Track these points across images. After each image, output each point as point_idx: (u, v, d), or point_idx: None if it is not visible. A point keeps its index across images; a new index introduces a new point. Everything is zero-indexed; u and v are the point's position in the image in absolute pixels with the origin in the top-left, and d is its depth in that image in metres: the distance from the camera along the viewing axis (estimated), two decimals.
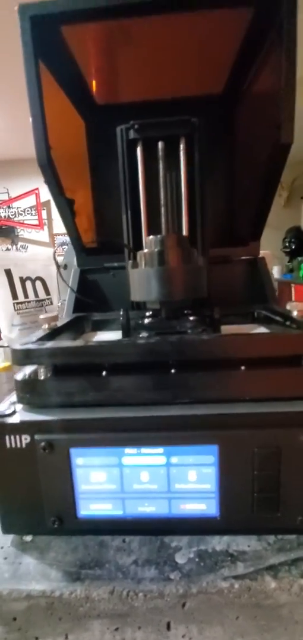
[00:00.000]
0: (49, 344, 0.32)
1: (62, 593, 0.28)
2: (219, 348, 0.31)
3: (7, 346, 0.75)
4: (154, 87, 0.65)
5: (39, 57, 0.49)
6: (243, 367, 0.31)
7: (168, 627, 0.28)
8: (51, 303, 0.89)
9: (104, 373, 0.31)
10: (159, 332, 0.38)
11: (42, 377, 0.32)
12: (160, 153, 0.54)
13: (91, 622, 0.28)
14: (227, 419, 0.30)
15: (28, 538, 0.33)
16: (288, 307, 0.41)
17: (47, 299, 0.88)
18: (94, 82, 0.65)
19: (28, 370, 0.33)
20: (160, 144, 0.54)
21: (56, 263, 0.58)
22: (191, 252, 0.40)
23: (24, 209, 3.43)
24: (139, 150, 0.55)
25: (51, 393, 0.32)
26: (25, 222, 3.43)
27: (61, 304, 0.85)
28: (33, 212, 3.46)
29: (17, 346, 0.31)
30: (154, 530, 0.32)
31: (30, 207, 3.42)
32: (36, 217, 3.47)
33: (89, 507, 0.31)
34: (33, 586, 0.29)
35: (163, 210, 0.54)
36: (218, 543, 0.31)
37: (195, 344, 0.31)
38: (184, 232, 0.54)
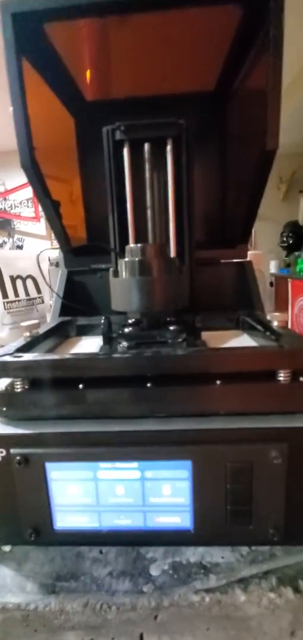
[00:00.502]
0: (25, 357, 0.32)
1: (37, 606, 0.28)
2: (194, 363, 0.31)
3: None
4: (144, 83, 0.64)
5: (23, 55, 0.48)
6: (218, 382, 0.31)
7: (141, 638, 0.29)
8: (42, 302, 0.89)
9: (80, 386, 0.31)
10: (139, 343, 0.38)
11: (18, 390, 0.32)
12: (146, 155, 0.53)
13: (66, 633, 0.29)
14: (200, 434, 0.30)
15: (6, 548, 0.33)
16: (268, 317, 0.41)
17: (39, 297, 0.88)
18: (82, 79, 0.64)
19: (4, 382, 0.33)
20: (146, 146, 0.53)
21: (39, 266, 0.57)
22: (173, 262, 0.40)
23: (21, 202, 3.38)
24: (125, 151, 0.54)
25: (28, 406, 0.32)
26: (21, 214, 3.39)
27: (52, 303, 0.85)
28: (30, 204, 3.42)
29: None
30: (130, 542, 0.32)
31: (27, 200, 3.38)
32: (33, 209, 3.43)
33: (65, 520, 0.31)
34: (9, 599, 0.29)
35: (149, 212, 0.54)
36: (192, 554, 0.32)
37: (170, 359, 0.31)
38: (171, 235, 0.53)
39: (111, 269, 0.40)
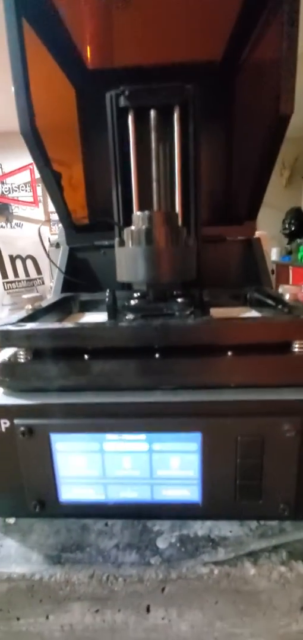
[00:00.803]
0: (29, 326, 0.31)
1: (43, 576, 0.28)
2: (204, 334, 0.30)
3: None
4: (149, 51, 0.62)
5: (23, 15, 0.45)
6: (229, 353, 0.30)
7: (148, 609, 0.29)
8: (43, 283, 0.87)
9: (85, 357, 0.30)
10: (146, 315, 0.36)
11: (22, 360, 0.31)
12: (152, 123, 0.51)
13: (71, 604, 0.28)
14: (210, 406, 0.29)
15: (11, 520, 0.33)
16: (280, 290, 0.39)
17: (39, 278, 0.86)
18: (84, 45, 0.61)
19: (8, 353, 0.32)
20: (153, 113, 0.50)
21: (41, 239, 0.56)
22: (181, 231, 0.38)
23: (18, 185, 3.32)
24: (130, 119, 0.51)
25: (31, 377, 0.30)
26: (19, 199, 3.33)
27: (52, 284, 0.83)
28: (28, 188, 3.35)
29: None
30: (136, 515, 0.31)
31: (25, 184, 3.32)
32: (31, 193, 3.37)
33: (71, 492, 0.30)
34: (13, 569, 0.28)
35: (154, 185, 0.52)
36: (200, 528, 0.31)
37: (179, 329, 0.30)
38: (177, 208, 0.51)
39: (116, 239, 0.38)
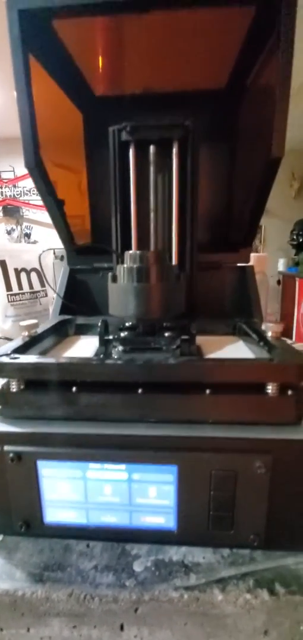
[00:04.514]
0: (22, 359, 0.33)
1: (25, 593, 0.30)
2: (184, 372, 0.32)
3: (0, 337, 0.76)
4: (154, 79, 0.64)
5: (29, 51, 0.48)
6: (207, 391, 0.32)
7: (122, 628, 0.31)
8: (46, 295, 0.90)
9: (74, 389, 0.33)
10: (134, 348, 0.39)
11: (14, 390, 0.33)
12: (152, 157, 0.53)
13: (51, 619, 0.31)
14: (187, 441, 0.31)
15: None
16: (263, 327, 0.41)
17: (42, 290, 0.89)
18: (91, 74, 0.64)
19: (1, 381, 0.34)
20: (152, 148, 0.53)
21: (40, 265, 0.58)
22: (171, 269, 0.41)
23: (30, 189, 3.39)
24: (131, 152, 0.54)
25: (22, 406, 0.33)
26: (30, 202, 3.40)
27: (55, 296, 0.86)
28: None
29: None
30: (116, 538, 0.34)
31: None
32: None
33: (55, 515, 0.33)
34: None
35: (152, 215, 0.54)
36: (175, 553, 0.33)
37: (161, 368, 0.32)
38: (174, 238, 0.54)
39: (110, 274, 0.40)
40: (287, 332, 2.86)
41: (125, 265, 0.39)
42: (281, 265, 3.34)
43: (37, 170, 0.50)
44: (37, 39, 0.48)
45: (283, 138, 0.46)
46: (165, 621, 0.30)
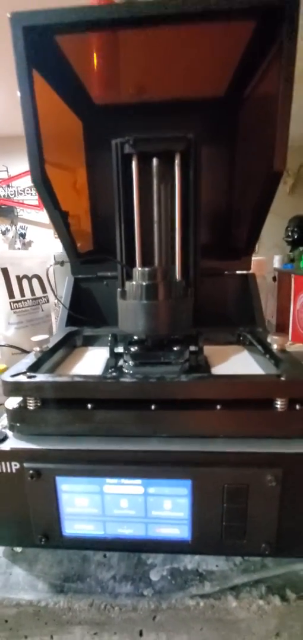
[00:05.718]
0: (39, 378, 0.34)
1: (48, 603, 0.32)
2: (195, 390, 0.33)
3: (4, 345, 0.77)
4: (155, 88, 0.65)
5: (33, 66, 0.48)
6: (218, 407, 0.33)
7: (141, 634, 0.32)
8: (47, 301, 0.90)
9: (89, 406, 0.34)
10: (144, 362, 0.40)
11: (31, 407, 0.34)
12: (154, 170, 0.54)
13: (73, 627, 0.32)
14: (200, 456, 0.32)
15: (18, 549, 0.36)
16: (269, 339, 0.43)
17: (44, 296, 0.90)
18: (91, 84, 0.64)
19: (17, 399, 0.35)
20: (155, 161, 0.54)
21: (48, 280, 0.59)
22: (179, 285, 0.42)
23: (24, 189, 3.36)
24: (134, 164, 0.55)
25: (39, 423, 0.34)
26: (24, 202, 3.37)
27: (56, 302, 0.87)
28: (33, 192, 3.39)
29: (7, 379, 0.34)
30: (132, 549, 0.35)
31: (30, 187, 3.36)
32: (36, 197, 3.42)
33: (73, 527, 0.34)
34: (22, 596, 0.32)
35: (155, 227, 0.55)
36: (189, 562, 0.35)
37: (174, 386, 0.33)
38: (177, 249, 0.55)
39: (119, 290, 0.41)
40: (283, 329, 2.90)
41: (134, 283, 0.40)
42: (276, 262, 3.36)
43: (44, 185, 0.50)
44: (40, 53, 0.49)
45: (284, 152, 0.48)
46: (182, 627, 0.32)
